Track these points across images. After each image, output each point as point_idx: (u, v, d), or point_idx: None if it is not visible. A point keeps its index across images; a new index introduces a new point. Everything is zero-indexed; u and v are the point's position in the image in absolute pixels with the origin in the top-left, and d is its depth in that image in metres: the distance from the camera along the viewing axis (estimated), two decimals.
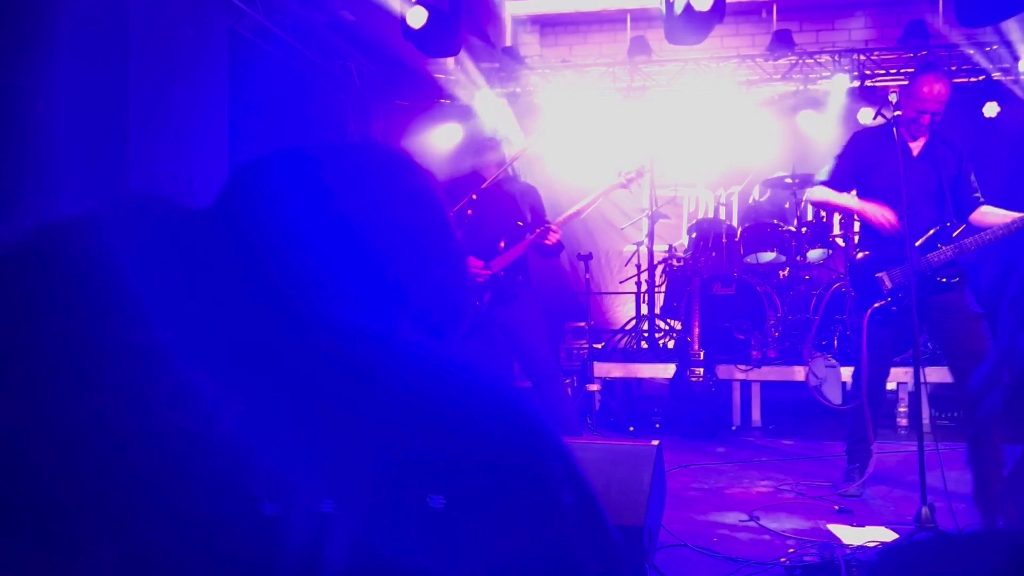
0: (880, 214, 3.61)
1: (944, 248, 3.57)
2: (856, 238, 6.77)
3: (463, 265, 0.83)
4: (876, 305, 3.64)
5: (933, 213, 3.66)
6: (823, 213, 6.85)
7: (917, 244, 3.61)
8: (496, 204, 4.26)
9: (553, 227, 4.16)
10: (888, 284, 3.64)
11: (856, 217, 4.06)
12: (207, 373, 0.57)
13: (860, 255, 3.80)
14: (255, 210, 0.69)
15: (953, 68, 7.37)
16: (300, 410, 0.58)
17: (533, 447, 0.59)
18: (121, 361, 0.55)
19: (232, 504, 0.53)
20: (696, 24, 6.18)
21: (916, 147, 3.70)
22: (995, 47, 7.34)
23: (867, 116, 7.49)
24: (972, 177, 3.73)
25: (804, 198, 3.92)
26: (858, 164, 3.79)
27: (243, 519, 0.53)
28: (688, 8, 5.97)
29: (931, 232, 3.62)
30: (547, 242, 4.14)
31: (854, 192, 3.82)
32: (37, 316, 0.57)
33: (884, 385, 3.87)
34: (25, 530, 0.51)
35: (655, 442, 2.87)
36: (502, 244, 4.20)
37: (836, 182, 3.81)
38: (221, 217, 0.69)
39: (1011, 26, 6.94)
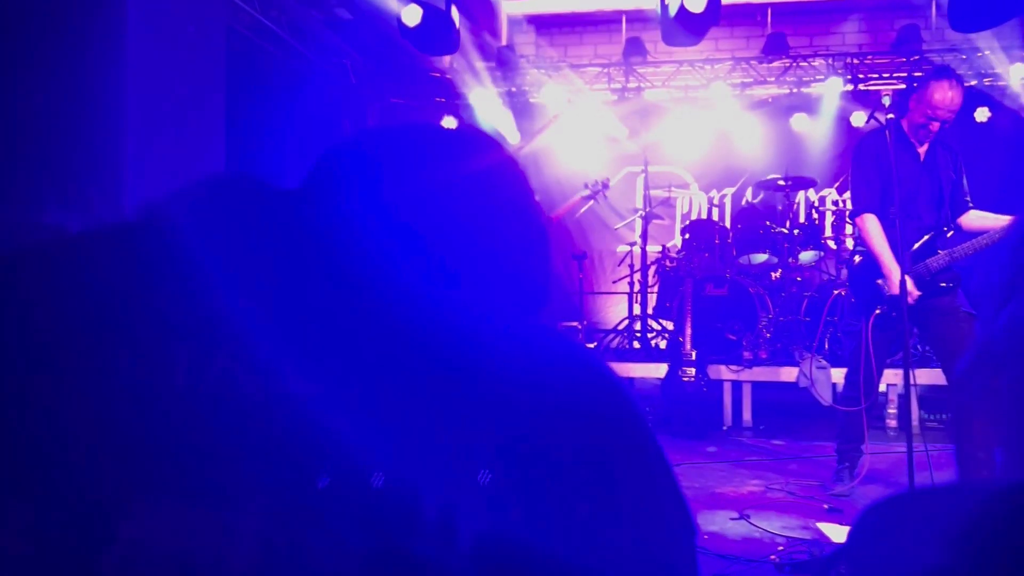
0: (895, 283, 3.51)
1: (941, 253, 3.58)
2: (848, 241, 6.84)
3: (546, 248, 0.81)
4: (877, 311, 3.66)
5: (932, 218, 3.67)
6: (815, 215, 6.90)
7: (915, 248, 3.62)
8: None
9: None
10: (889, 291, 3.65)
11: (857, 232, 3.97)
12: (295, 352, 0.59)
13: (858, 259, 3.82)
14: (344, 190, 0.69)
15: None
16: (388, 393, 0.59)
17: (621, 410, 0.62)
18: (215, 339, 0.58)
19: (295, 477, 0.56)
20: (691, 26, 6.21)
21: (921, 152, 3.68)
22: (987, 52, 7.40)
23: (860, 119, 7.55)
24: (965, 182, 3.76)
25: (858, 224, 3.77)
26: (878, 168, 3.66)
27: (298, 490, 0.55)
28: (682, 10, 6.00)
29: (927, 237, 3.63)
30: None
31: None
32: (134, 296, 0.59)
33: (877, 387, 3.90)
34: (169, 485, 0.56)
35: None
36: None
37: (873, 202, 3.68)
38: (311, 196, 0.70)
39: (1003, 32, 6.99)
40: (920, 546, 0.36)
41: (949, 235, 3.69)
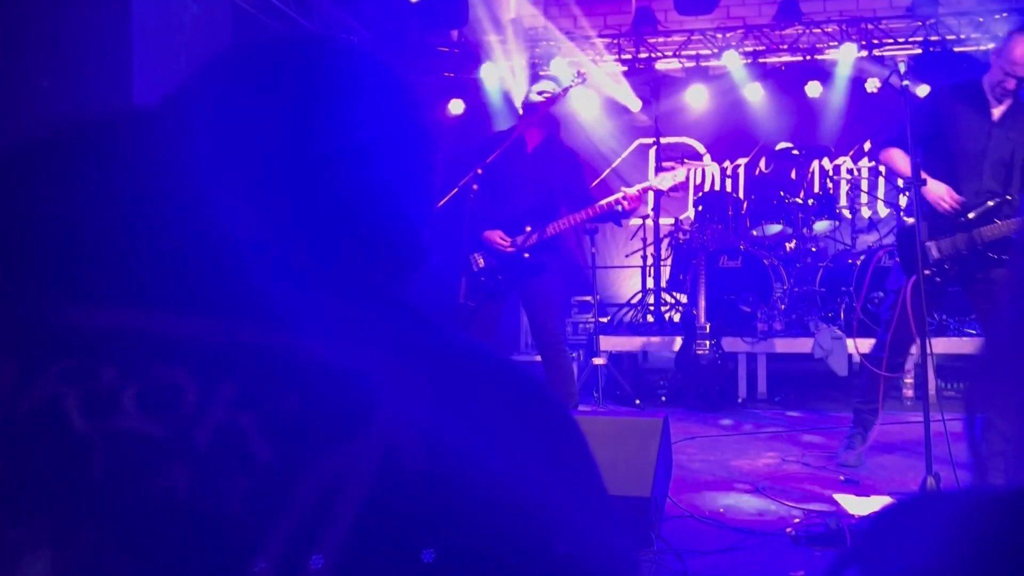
0: (940, 195, 3.42)
1: (1000, 223, 3.40)
2: (863, 210, 6.75)
3: (423, 192, 0.67)
4: (926, 272, 3.49)
5: (997, 184, 3.48)
6: (830, 184, 6.82)
7: (971, 216, 3.46)
8: (530, 171, 4.10)
9: (632, 195, 3.98)
10: (935, 254, 3.51)
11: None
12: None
13: (910, 220, 3.71)
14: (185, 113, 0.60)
15: (962, 36, 7.28)
16: None
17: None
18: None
19: None
20: None
21: (998, 112, 3.49)
22: (1004, 15, 7.25)
23: (874, 86, 7.43)
24: None
25: (882, 158, 3.67)
26: (938, 124, 3.52)
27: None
28: None
29: (990, 204, 3.45)
30: (627, 208, 3.99)
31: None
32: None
33: (909, 351, 3.79)
34: None
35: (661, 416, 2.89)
36: (528, 228, 4.08)
37: (903, 146, 3.47)
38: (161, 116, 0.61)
39: None
40: (925, 551, 0.35)
41: (1014, 205, 3.47)
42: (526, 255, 4.06)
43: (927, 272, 3.49)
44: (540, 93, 4.15)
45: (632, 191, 4.01)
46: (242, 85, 0.61)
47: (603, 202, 4.04)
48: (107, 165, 0.56)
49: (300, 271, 0.55)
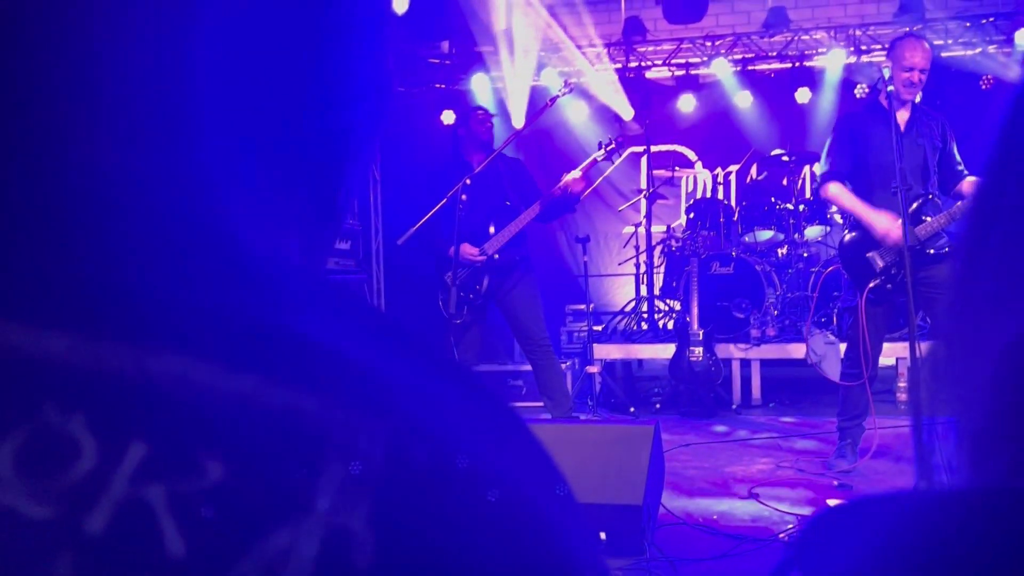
0: (884, 228, 3.52)
1: (930, 219, 3.54)
2: (834, 208, 6.78)
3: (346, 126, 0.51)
4: (871, 285, 3.64)
5: (919, 186, 3.65)
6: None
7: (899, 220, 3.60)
8: (483, 186, 4.20)
9: (571, 179, 4.07)
10: (880, 263, 3.62)
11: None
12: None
13: (848, 236, 3.80)
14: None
15: (949, 42, 7.33)
16: None
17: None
18: None
19: None
20: (691, 2, 6.16)
21: (902, 121, 3.66)
22: (990, 20, 7.30)
23: (861, 91, 7.47)
24: (955, 150, 3.73)
25: (821, 194, 3.86)
26: (853, 144, 3.74)
27: None
28: None
29: (915, 205, 3.59)
30: (574, 190, 4.08)
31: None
32: None
33: (878, 361, 3.88)
34: None
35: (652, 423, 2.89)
36: (491, 228, 4.18)
37: (839, 170, 3.73)
38: None
39: None
40: (864, 553, 0.35)
41: (937, 202, 3.67)
42: (496, 256, 4.12)
43: (877, 282, 3.57)
44: (476, 119, 4.27)
45: (571, 175, 4.10)
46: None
47: (530, 210, 4.15)
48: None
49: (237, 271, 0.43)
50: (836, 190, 3.73)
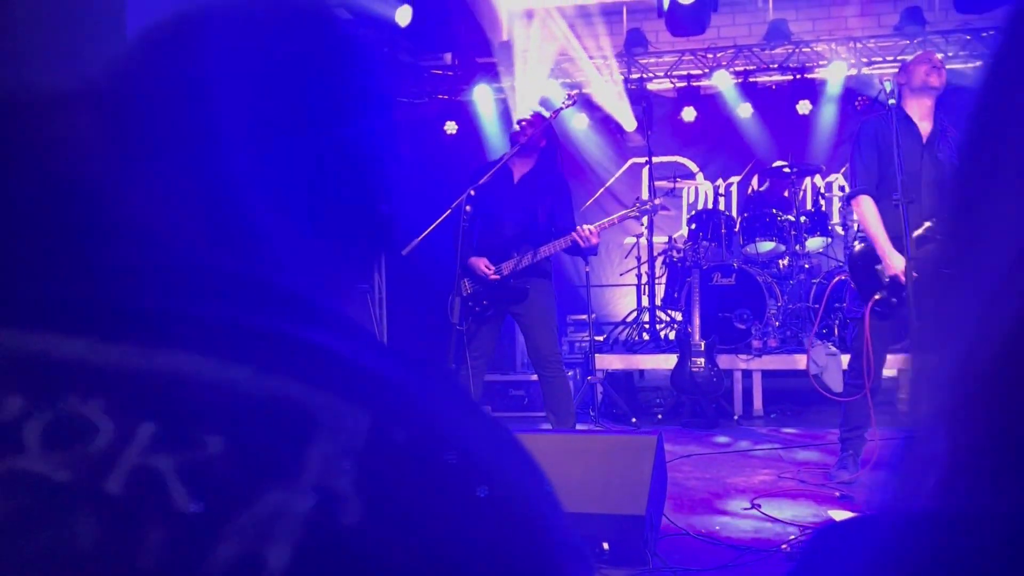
0: (895, 270, 3.55)
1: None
2: (855, 226, 6.79)
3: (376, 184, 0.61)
4: (876, 297, 3.65)
5: (935, 203, 3.65)
6: (822, 202, 6.87)
7: (915, 235, 3.60)
8: (517, 200, 4.13)
9: (587, 232, 4.02)
10: (887, 276, 3.64)
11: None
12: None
13: (859, 246, 3.81)
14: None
15: (950, 54, 7.37)
16: None
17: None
18: None
19: None
20: (690, 15, 6.20)
21: (924, 133, 3.65)
22: (991, 32, 7.33)
23: (861, 102, 7.51)
24: None
25: (851, 205, 3.84)
26: (878, 153, 3.69)
27: None
28: (673, 2, 6.01)
29: (928, 224, 3.58)
30: (585, 246, 4.04)
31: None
32: None
33: (881, 373, 3.88)
34: None
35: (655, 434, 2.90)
36: (514, 255, 4.09)
37: (870, 183, 3.70)
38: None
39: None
40: (856, 573, 0.36)
41: None
42: (511, 281, 4.09)
43: (883, 295, 3.58)
44: (519, 123, 4.20)
45: (587, 229, 4.06)
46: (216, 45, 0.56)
47: (554, 243, 4.10)
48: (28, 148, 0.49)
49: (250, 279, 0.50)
50: (866, 208, 3.69)
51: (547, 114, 4.17)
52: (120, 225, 0.48)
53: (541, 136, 4.12)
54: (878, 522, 0.37)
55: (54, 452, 0.40)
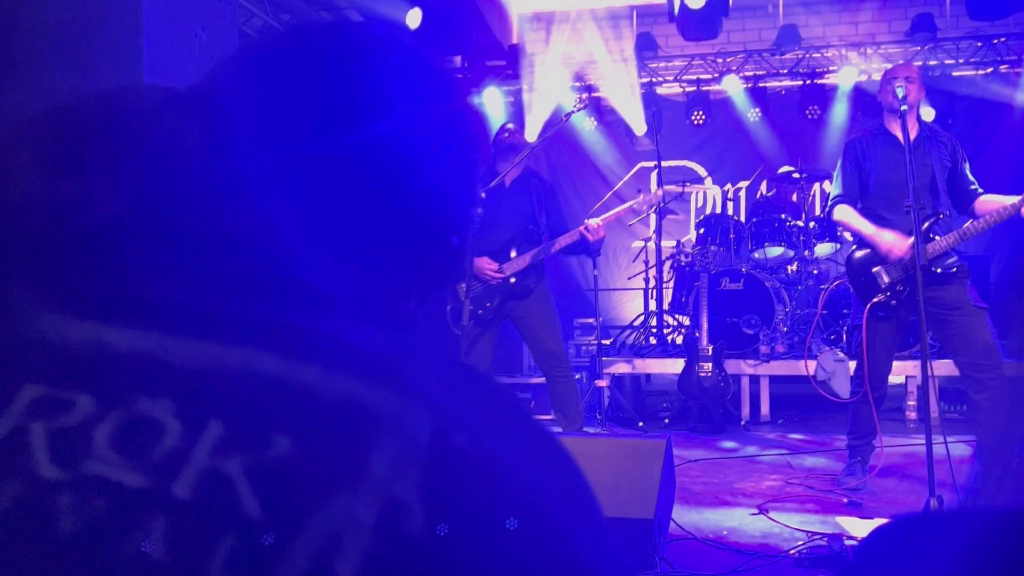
0: (889, 244, 3.60)
1: (940, 238, 3.55)
2: (845, 232, 6.80)
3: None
4: (875, 300, 3.65)
5: (927, 204, 3.65)
6: None
7: (912, 238, 3.61)
8: (510, 203, 4.19)
9: (595, 225, 4.05)
10: (885, 279, 3.64)
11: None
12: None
13: (856, 252, 3.81)
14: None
15: (960, 61, 7.36)
16: None
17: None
18: None
19: None
20: (701, 20, 6.20)
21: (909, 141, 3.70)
22: (1002, 40, 7.32)
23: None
24: (967, 169, 3.75)
25: (832, 218, 3.91)
26: (859, 167, 3.81)
27: None
28: (683, 7, 6.01)
29: (926, 224, 3.60)
30: (592, 239, 4.07)
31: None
32: None
33: (887, 380, 3.87)
34: None
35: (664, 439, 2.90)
36: (513, 252, 4.14)
37: (848, 194, 3.80)
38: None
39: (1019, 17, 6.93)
40: (934, 571, 0.35)
41: (947, 221, 3.69)
42: (512, 280, 4.12)
43: (882, 297, 3.58)
44: (504, 130, 4.27)
45: (593, 222, 4.08)
46: (276, 71, 0.56)
47: (564, 237, 4.12)
48: (117, 150, 0.50)
49: (325, 287, 0.50)
50: (843, 213, 3.80)
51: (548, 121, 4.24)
52: (197, 228, 0.48)
53: (521, 141, 4.28)
54: (963, 518, 0.37)
55: (124, 456, 0.40)
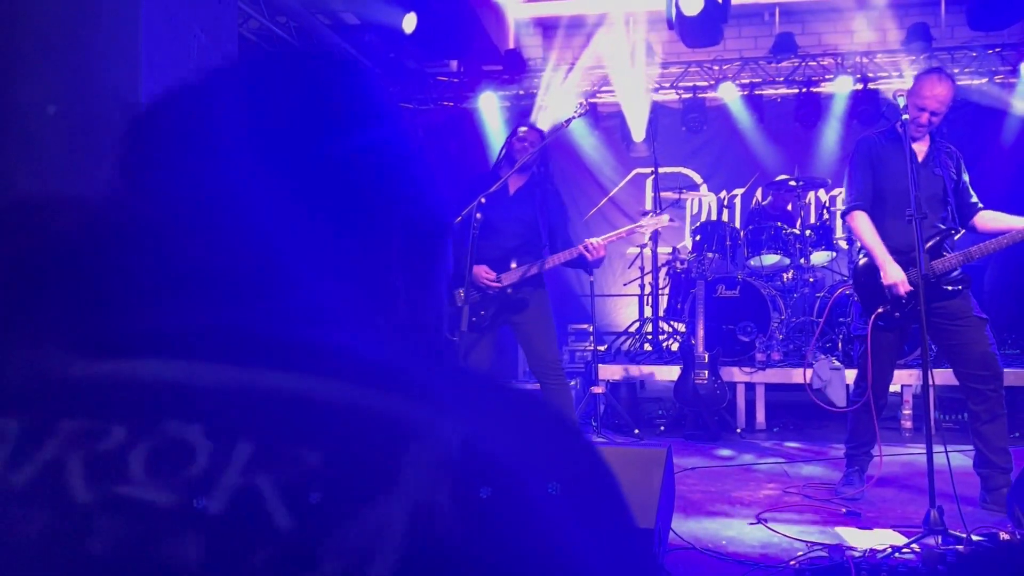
0: (892, 279, 3.56)
1: (949, 255, 3.56)
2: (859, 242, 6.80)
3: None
4: (880, 310, 3.65)
5: (935, 217, 3.65)
6: (826, 215, 6.87)
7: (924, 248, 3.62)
8: (514, 210, 4.13)
9: (595, 245, 3.99)
10: (887, 286, 3.63)
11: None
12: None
13: (863, 260, 3.80)
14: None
15: (956, 71, 7.38)
16: None
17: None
18: None
19: None
20: (699, 27, 6.20)
21: (920, 152, 3.68)
22: (997, 50, 7.35)
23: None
24: (969, 183, 3.75)
25: (846, 220, 3.85)
26: (873, 170, 3.74)
27: None
28: (679, 14, 6.01)
29: (936, 239, 3.61)
30: (592, 258, 4.00)
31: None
32: None
33: (888, 389, 3.88)
34: None
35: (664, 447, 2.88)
36: (513, 264, 4.09)
37: (865, 198, 3.73)
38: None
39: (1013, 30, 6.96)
40: None
41: (957, 237, 3.69)
42: (509, 291, 4.08)
43: (887, 308, 3.58)
44: (515, 134, 4.19)
45: (594, 241, 4.03)
46: (251, 93, 0.59)
47: (563, 253, 4.08)
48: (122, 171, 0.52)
49: (332, 303, 0.52)
50: (859, 222, 3.72)
51: (544, 130, 4.18)
52: (204, 253, 0.50)
53: (538, 152, 4.15)
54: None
55: (158, 478, 0.41)
